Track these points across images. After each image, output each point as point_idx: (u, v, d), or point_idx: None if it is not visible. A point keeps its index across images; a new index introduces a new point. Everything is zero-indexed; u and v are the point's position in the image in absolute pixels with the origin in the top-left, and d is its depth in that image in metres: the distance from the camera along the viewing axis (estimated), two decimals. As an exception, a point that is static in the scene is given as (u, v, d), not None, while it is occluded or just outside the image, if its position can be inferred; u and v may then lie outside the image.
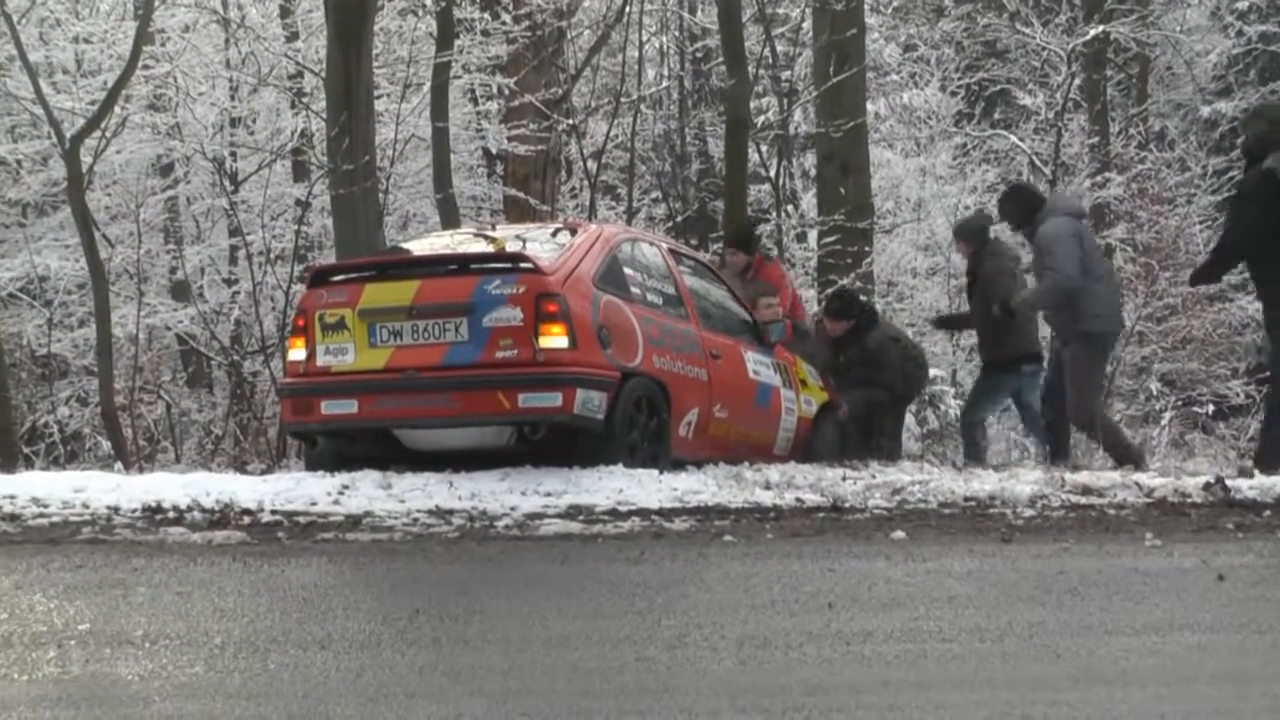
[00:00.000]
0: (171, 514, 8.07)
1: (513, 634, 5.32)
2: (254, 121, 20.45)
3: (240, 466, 12.86)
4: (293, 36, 19.28)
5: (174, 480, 9.03)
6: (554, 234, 10.31)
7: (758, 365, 11.18)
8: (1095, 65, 25.28)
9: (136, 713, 4.42)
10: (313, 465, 9.82)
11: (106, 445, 15.56)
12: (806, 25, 22.51)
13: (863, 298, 14.82)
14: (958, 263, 16.90)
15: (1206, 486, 8.87)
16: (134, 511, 8.14)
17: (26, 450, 16.20)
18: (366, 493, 8.53)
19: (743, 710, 4.37)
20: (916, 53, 27.08)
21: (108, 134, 16.18)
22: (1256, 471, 9.80)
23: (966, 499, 8.64)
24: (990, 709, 4.38)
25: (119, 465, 12.67)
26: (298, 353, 9.61)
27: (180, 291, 19.45)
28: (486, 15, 18.94)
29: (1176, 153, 25.45)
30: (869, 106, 22.68)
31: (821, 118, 20.04)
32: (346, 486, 8.65)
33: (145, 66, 17.44)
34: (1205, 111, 27.49)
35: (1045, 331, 13.03)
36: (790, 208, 23.44)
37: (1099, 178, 23.90)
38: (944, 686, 4.65)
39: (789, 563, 6.67)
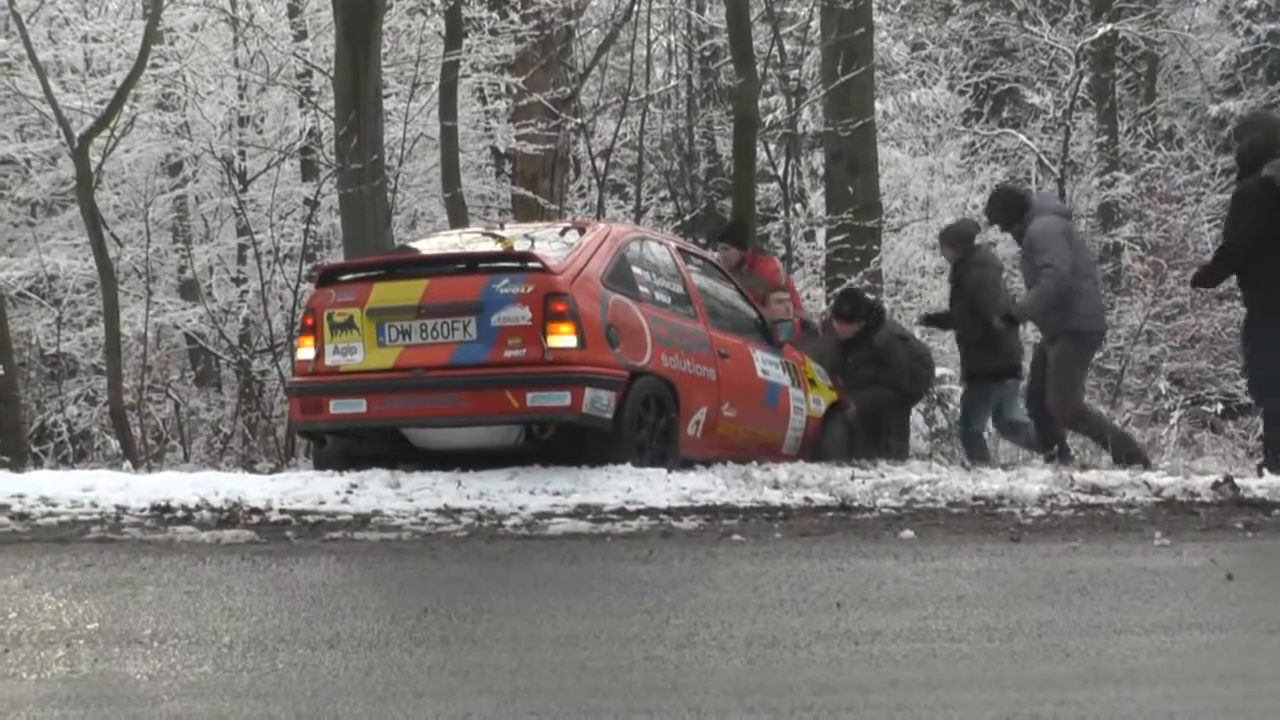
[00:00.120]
0: (180, 513, 8.07)
1: (521, 633, 5.32)
2: (262, 120, 20.47)
3: (249, 465, 12.85)
4: (301, 35, 19.28)
5: (182, 479, 9.03)
6: (562, 233, 10.30)
7: (766, 364, 11.17)
8: (1103, 64, 25.28)
9: (145, 712, 4.43)
10: (321, 464, 9.82)
11: (115, 444, 15.57)
12: (814, 24, 22.50)
13: (870, 296, 14.80)
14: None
15: (1215, 485, 8.86)
16: (142, 510, 8.14)
17: (35, 449, 16.23)
18: (375, 492, 8.52)
19: (751, 709, 4.37)
20: (925, 51, 27.09)
21: (116, 133, 16.21)
22: (1266, 471, 9.80)
23: (975, 498, 8.63)
24: (999, 708, 4.37)
25: (127, 464, 12.67)
26: (306, 352, 9.61)
27: (189, 290, 19.49)
28: (495, 14, 18.92)
29: (1185, 151, 25.46)
30: (877, 105, 22.67)
31: (830, 116, 20.03)
32: (355, 485, 8.65)
33: (154, 65, 17.46)
34: (1213, 110, 27.47)
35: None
36: (798, 206, 23.45)
37: (1107, 176, 23.91)
38: (953, 686, 4.65)
39: (797, 562, 6.67)
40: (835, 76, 19.46)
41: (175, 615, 5.59)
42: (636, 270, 10.00)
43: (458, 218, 16.12)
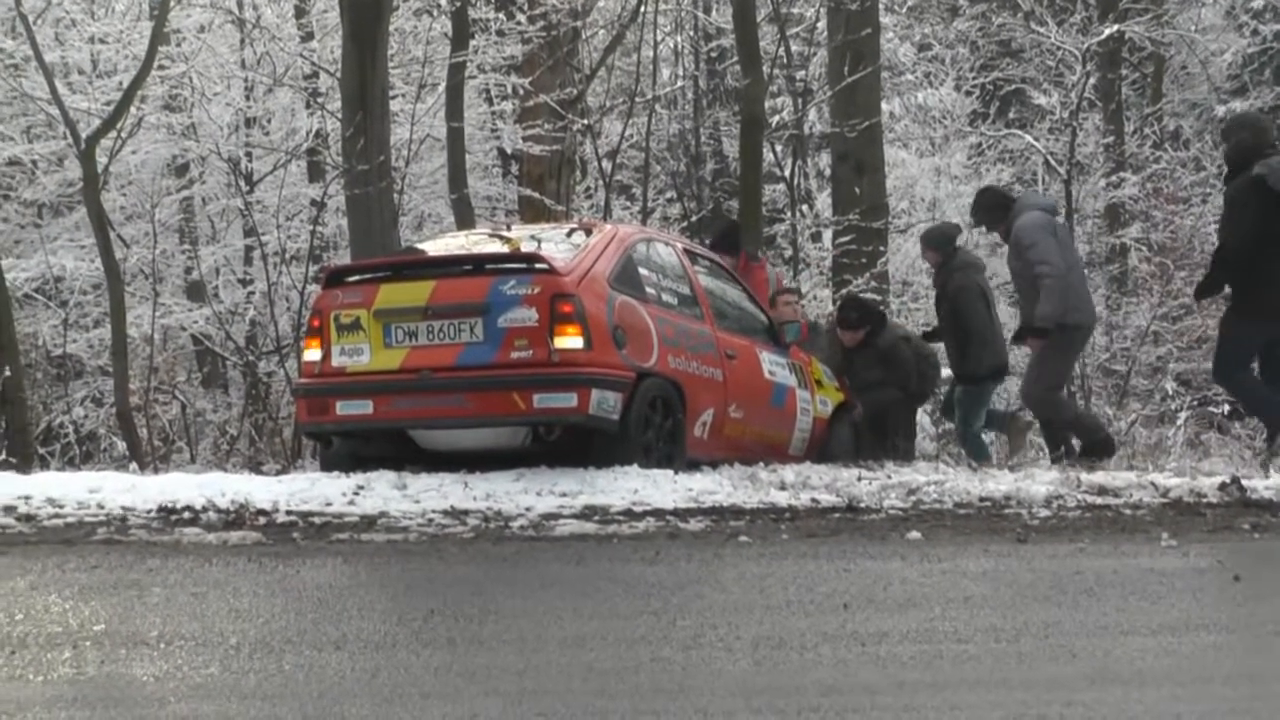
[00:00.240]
0: (186, 514, 8.08)
1: (528, 634, 5.32)
2: (269, 122, 20.47)
3: (255, 467, 12.87)
4: (308, 37, 19.29)
5: (189, 481, 9.04)
6: (569, 234, 10.31)
7: (773, 365, 11.17)
8: (1110, 65, 25.25)
9: (151, 713, 4.43)
10: (328, 466, 9.82)
11: (121, 445, 15.58)
12: (821, 25, 22.49)
13: (874, 297, 14.81)
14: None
15: (1222, 486, 8.86)
16: (149, 512, 8.15)
17: (42, 451, 16.21)
18: (381, 493, 8.53)
19: (758, 711, 4.37)
20: (931, 52, 27.07)
21: (123, 134, 16.20)
22: (1274, 472, 9.80)
23: (982, 499, 8.63)
24: (1006, 709, 4.37)
25: (134, 466, 12.68)
26: (313, 353, 9.62)
27: (195, 292, 19.48)
28: (501, 15, 18.96)
29: (1191, 152, 25.41)
30: (884, 106, 22.68)
31: (836, 117, 20.04)
32: (361, 487, 8.65)
33: (160, 67, 17.47)
34: (1220, 111, 27.39)
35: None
36: (805, 207, 23.46)
37: (1114, 177, 23.88)
38: (959, 687, 4.65)
39: (804, 563, 6.67)
40: (842, 77, 19.47)
41: (182, 616, 5.59)
42: (643, 271, 10.00)
43: (464, 219, 16.13)
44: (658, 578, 6.32)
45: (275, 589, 6.18)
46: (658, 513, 8.09)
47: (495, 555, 7.06)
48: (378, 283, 9.57)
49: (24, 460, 13.49)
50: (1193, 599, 5.89)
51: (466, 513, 8.04)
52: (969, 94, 26.61)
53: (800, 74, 23.08)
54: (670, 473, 9.05)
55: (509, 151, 20.84)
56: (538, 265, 9.24)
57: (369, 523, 7.83)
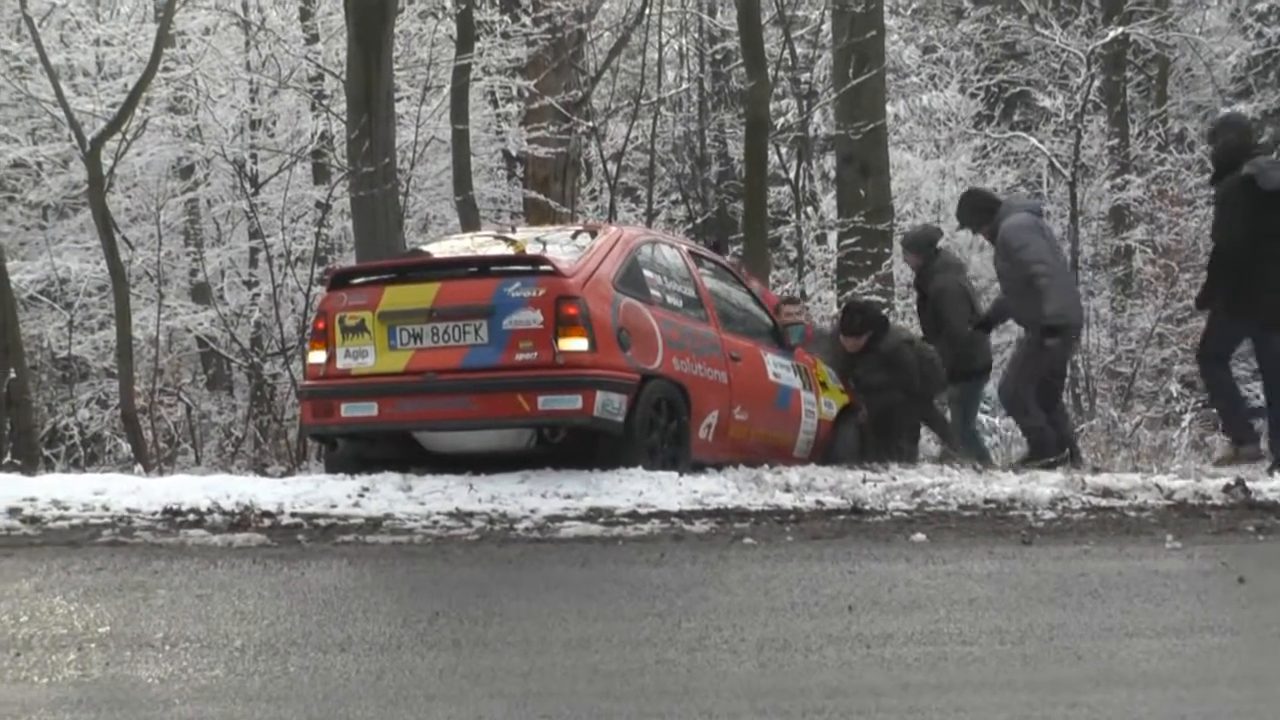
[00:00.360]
0: (191, 516, 8.07)
1: (533, 636, 5.32)
2: (274, 124, 20.46)
3: (260, 469, 12.86)
4: (313, 39, 19.31)
5: (194, 482, 9.04)
6: (574, 236, 10.31)
7: (778, 367, 11.17)
8: (1115, 67, 25.27)
9: (156, 715, 4.44)
10: (333, 467, 9.83)
11: (127, 447, 15.59)
12: (826, 27, 22.52)
13: (879, 299, 14.82)
14: (973, 266, 16.94)
15: (1227, 489, 8.85)
16: (154, 514, 8.14)
17: (47, 453, 16.25)
18: (386, 495, 8.53)
19: (763, 713, 4.37)
20: (936, 54, 27.07)
21: (128, 136, 16.23)
22: (1277, 474, 9.80)
23: (987, 501, 8.62)
24: (1011, 711, 4.37)
25: (139, 467, 12.68)
26: (318, 355, 9.62)
27: (200, 294, 19.49)
28: (506, 18, 18.96)
29: (1196, 154, 25.38)
30: (888, 108, 22.71)
31: (841, 120, 20.05)
32: (366, 489, 8.66)
33: (166, 69, 17.48)
34: (1224, 114, 27.40)
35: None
36: (810, 209, 23.46)
37: (1119, 179, 23.89)
38: (964, 689, 4.65)
39: (809, 565, 6.67)
40: (847, 80, 19.47)
41: (187, 618, 5.60)
42: (648, 273, 9.99)
43: (469, 221, 16.14)
44: (663, 580, 6.32)
45: (280, 591, 6.19)
46: (663, 515, 8.08)
47: (500, 557, 7.07)
48: (383, 285, 9.57)
49: (29, 462, 13.48)
50: (1197, 601, 5.89)
51: (471, 515, 8.04)
52: (974, 96, 26.60)
53: (805, 76, 23.10)
54: (675, 475, 9.04)
55: (514, 154, 20.84)
56: (542, 267, 9.24)
57: (374, 525, 7.83)
